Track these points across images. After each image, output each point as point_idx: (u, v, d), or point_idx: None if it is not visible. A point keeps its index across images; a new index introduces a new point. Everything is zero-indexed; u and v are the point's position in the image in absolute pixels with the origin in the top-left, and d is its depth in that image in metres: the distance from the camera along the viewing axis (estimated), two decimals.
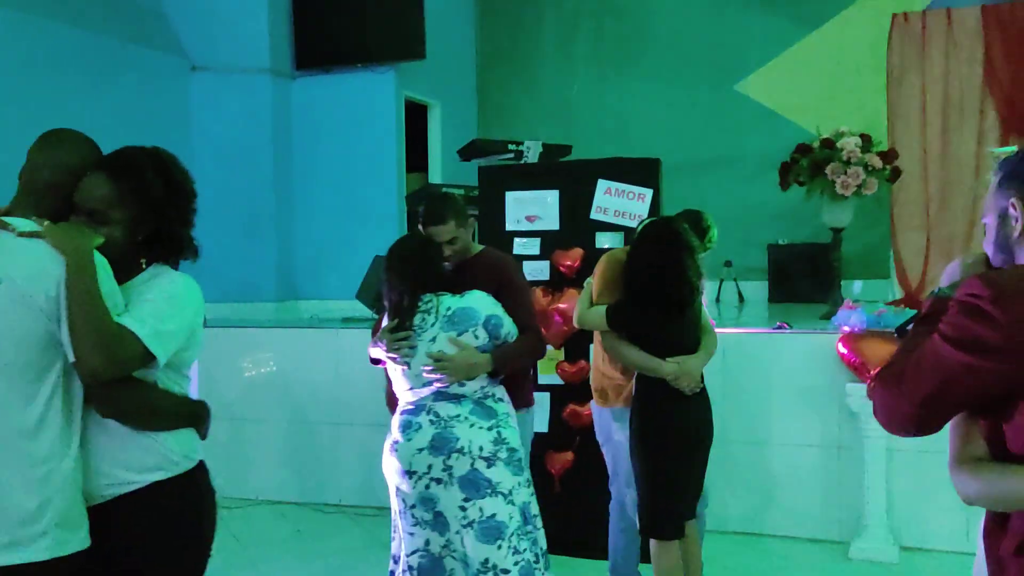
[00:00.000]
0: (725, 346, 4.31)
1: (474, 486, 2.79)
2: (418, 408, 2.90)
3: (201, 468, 2.10)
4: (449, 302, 2.91)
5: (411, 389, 2.94)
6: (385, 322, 2.97)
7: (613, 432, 3.56)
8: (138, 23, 6.89)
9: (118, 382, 1.90)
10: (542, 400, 4.43)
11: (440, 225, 3.18)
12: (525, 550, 2.83)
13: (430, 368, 2.86)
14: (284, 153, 7.53)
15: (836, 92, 7.13)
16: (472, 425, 2.85)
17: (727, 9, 7.74)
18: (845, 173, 5.29)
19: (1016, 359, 1.39)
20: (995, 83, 6.05)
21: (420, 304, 2.91)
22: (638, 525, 3.33)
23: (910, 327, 1.65)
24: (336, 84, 7.45)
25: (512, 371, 3.12)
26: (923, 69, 6.14)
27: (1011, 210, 1.57)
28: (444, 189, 5.55)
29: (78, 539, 1.89)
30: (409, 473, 2.84)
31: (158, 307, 1.96)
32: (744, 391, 4.65)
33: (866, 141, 5.43)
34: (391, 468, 2.91)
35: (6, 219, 1.90)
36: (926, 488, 4.41)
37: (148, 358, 1.91)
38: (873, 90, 6.46)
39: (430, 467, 2.81)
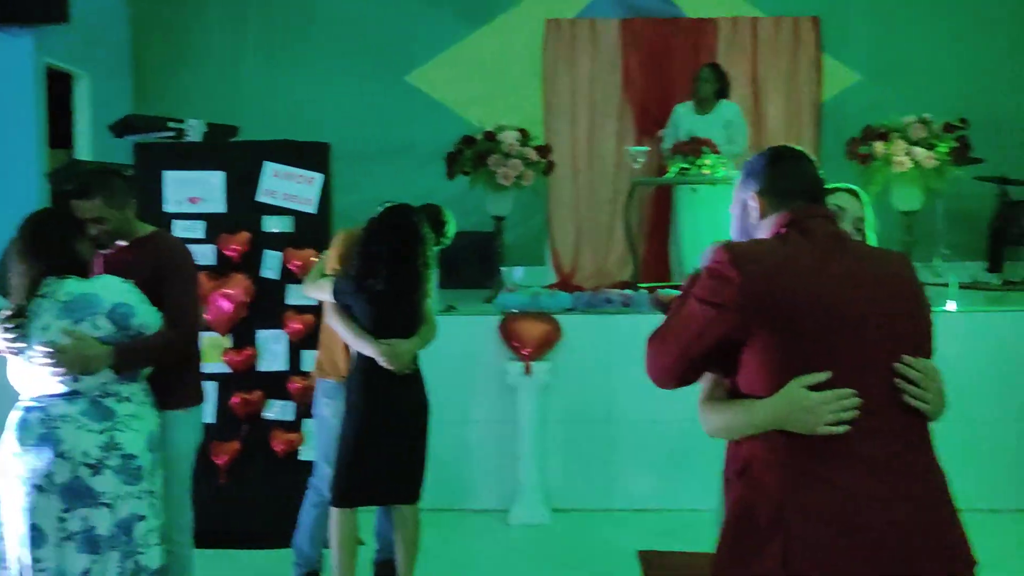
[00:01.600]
0: None
1: (77, 495, 2.57)
2: (32, 406, 2.63)
3: None
4: (71, 287, 2.64)
5: (29, 383, 2.65)
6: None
7: (321, 406, 3.68)
8: None
9: None
10: (208, 389, 4.24)
11: (83, 200, 2.87)
12: (124, 570, 2.63)
13: (40, 359, 2.57)
14: None
15: (498, 89, 7.54)
16: (80, 427, 2.59)
17: (399, 1, 7.88)
18: (505, 165, 5.65)
19: (749, 310, 1.70)
20: (631, 89, 6.80)
21: (40, 287, 2.62)
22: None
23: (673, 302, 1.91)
24: None
25: (161, 366, 2.87)
26: (573, 72, 6.74)
27: (750, 202, 1.88)
28: (104, 167, 5.08)
29: None
30: (16, 476, 2.59)
31: None
32: None
33: (524, 136, 5.84)
34: (5, 471, 2.63)
35: None
36: (576, 454, 4.87)
37: None
38: (531, 89, 6.95)
39: (33, 472, 2.56)
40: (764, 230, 1.85)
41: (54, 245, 2.67)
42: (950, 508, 1.73)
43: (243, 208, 4.36)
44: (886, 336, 1.72)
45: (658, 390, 1.92)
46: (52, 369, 2.57)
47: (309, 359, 4.32)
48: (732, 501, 1.76)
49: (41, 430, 2.58)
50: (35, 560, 2.56)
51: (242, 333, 4.31)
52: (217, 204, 4.39)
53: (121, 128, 5.16)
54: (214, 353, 4.28)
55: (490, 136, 5.76)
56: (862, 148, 5.78)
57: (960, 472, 5.82)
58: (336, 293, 3.37)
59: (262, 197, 4.38)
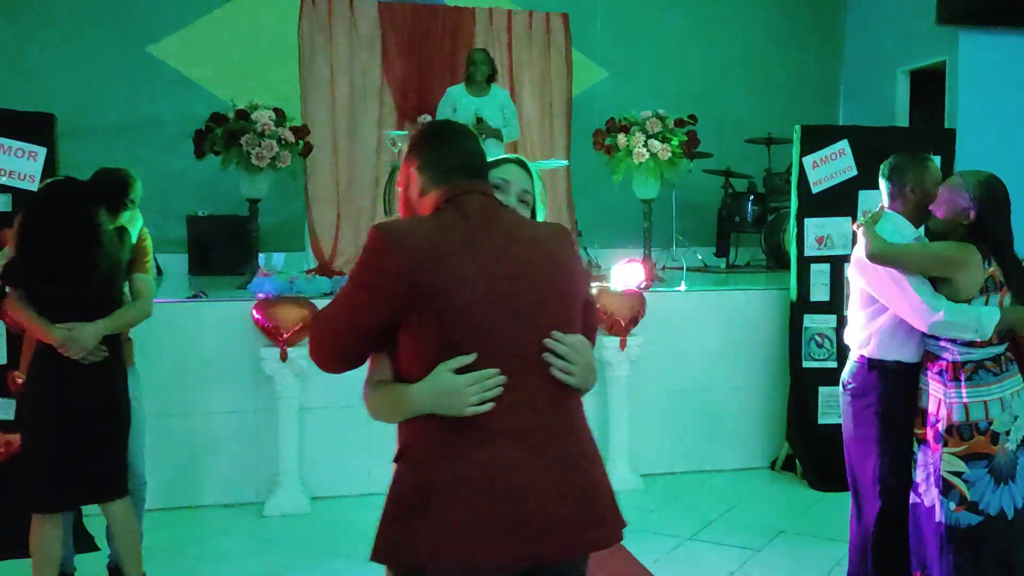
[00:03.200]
0: None
1: None
2: None
3: None
4: None
5: None
6: None
7: None
8: None
9: None
10: None
11: None
12: None
13: None
14: None
15: (251, 66, 7.24)
16: None
17: None
18: (259, 145, 5.43)
19: (399, 291, 1.68)
20: (391, 74, 6.75)
21: None
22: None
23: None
24: None
25: None
26: (331, 53, 6.58)
27: (411, 177, 1.87)
28: None
29: None
30: None
31: None
32: (161, 363, 4.47)
33: (280, 116, 5.64)
34: None
35: None
36: (334, 441, 4.80)
37: None
38: (287, 68, 6.72)
39: None
40: (426, 207, 1.82)
41: None
42: (596, 470, 1.79)
43: None
44: (535, 312, 1.73)
45: None
46: None
47: None
48: (391, 483, 1.75)
49: None
50: None
51: None
52: None
53: None
54: None
55: (243, 114, 5.51)
56: (607, 140, 6.13)
57: (694, 435, 6.40)
58: (7, 277, 3.10)
59: None
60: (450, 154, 1.84)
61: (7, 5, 7.07)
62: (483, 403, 1.67)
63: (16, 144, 3.96)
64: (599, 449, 1.86)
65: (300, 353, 4.55)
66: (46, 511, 3.12)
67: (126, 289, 3.39)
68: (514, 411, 1.70)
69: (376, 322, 1.72)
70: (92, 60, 7.21)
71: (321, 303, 4.76)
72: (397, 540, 1.69)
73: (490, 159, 1.98)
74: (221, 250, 7.21)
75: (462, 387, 1.66)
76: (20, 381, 3.31)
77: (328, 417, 4.79)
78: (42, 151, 3.99)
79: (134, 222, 3.52)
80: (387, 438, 1.91)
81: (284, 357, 4.55)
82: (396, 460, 1.78)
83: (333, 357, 1.82)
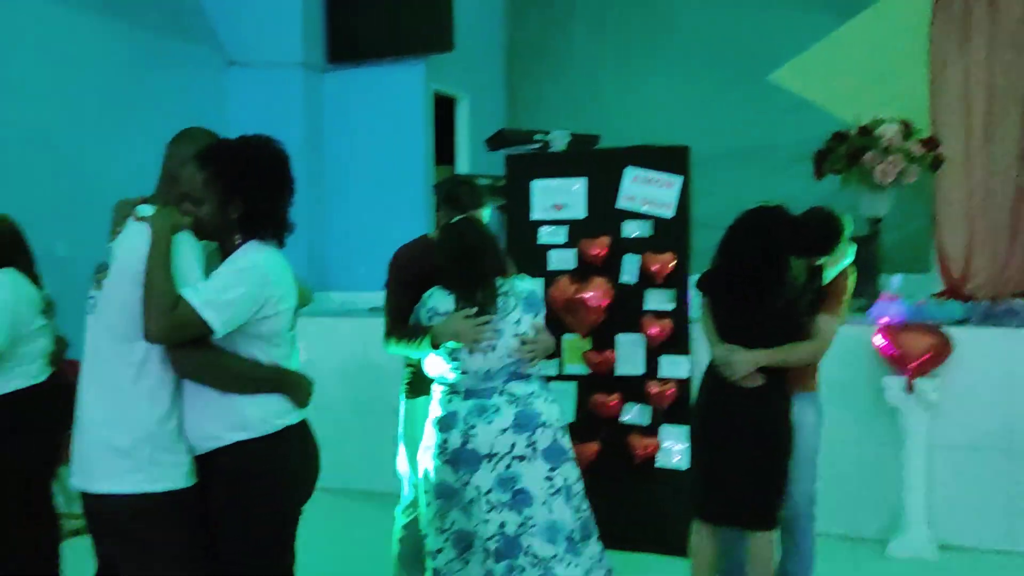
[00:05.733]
0: None
1: (556, 455, 2.90)
2: (489, 391, 2.92)
3: (285, 434, 2.26)
4: (520, 285, 3.02)
5: (473, 373, 2.92)
6: (444, 310, 2.96)
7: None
8: (176, 17, 6.91)
9: (186, 346, 2.15)
10: (569, 389, 4.36)
11: (481, 209, 3.24)
12: (585, 508, 2.99)
13: (516, 350, 2.91)
14: (315, 146, 7.52)
15: (874, 80, 6.90)
16: (544, 400, 2.97)
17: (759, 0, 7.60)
18: (884, 161, 5.13)
19: None
20: None
21: (499, 288, 2.96)
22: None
23: None
24: (366, 77, 7.41)
25: None
26: (967, 54, 5.93)
27: None
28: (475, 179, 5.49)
29: (170, 479, 2.18)
30: (489, 457, 2.85)
31: (221, 279, 2.20)
32: None
33: (907, 128, 5.27)
34: (456, 459, 2.89)
35: (140, 207, 2.26)
36: (967, 485, 4.26)
37: (204, 325, 2.12)
38: (913, 77, 6.24)
39: (513, 446, 2.86)
40: None
41: (496, 251, 3.05)
42: None
43: (603, 213, 4.41)
44: None
45: None
46: (525, 357, 2.92)
47: (667, 364, 4.26)
48: None
49: (516, 409, 2.89)
50: (526, 519, 2.85)
51: (602, 336, 4.36)
52: (579, 210, 4.49)
53: (495, 142, 5.52)
54: (574, 354, 4.38)
55: (865, 131, 5.27)
56: None
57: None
58: (700, 284, 3.28)
59: (622, 203, 4.39)
60: None
61: (641, 54, 7.92)
62: None
63: (656, 175, 4.33)
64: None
65: (930, 385, 4.13)
66: (697, 517, 3.24)
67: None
68: None
69: None
70: (715, 94, 7.66)
71: (954, 331, 4.28)
72: None
73: None
74: None
75: None
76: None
77: (960, 458, 4.26)
78: (678, 180, 4.30)
79: (843, 258, 3.36)
80: None
81: (910, 389, 4.18)
82: None
83: None
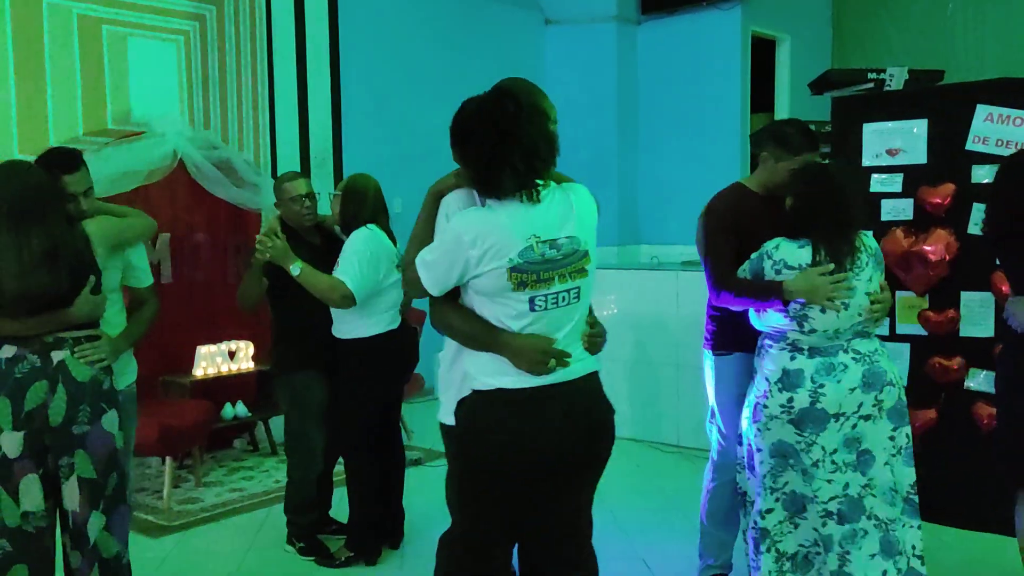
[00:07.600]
0: None
1: (899, 415, 2.89)
2: (834, 349, 2.83)
3: (494, 396, 2.20)
4: (868, 239, 2.94)
5: (822, 331, 2.82)
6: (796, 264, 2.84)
7: None
8: None
9: (433, 301, 2.28)
10: (901, 351, 4.04)
11: (815, 152, 3.16)
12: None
13: (867, 309, 2.84)
14: (629, 99, 7.57)
15: None
16: (886, 357, 2.93)
17: None
18: None
19: None
20: None
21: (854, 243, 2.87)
22: None
23: None
24: (680, 25, 7.30)
25: None
26: None
27: None
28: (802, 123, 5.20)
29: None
30: (836, 416, 2.78)
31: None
32: None
33: None
34: (802, 419, 2.80)
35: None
36: None
37: (420, 283, 2.21)
38: None
39: (860, 405, 2.81)
40: None
41: (866, 199, 3.04)
42: None
43: (947, 158, 3.98)
44: None
45: None
46: (872, 317, 2.86)
47: None
48: None
49: (863, 367, 2.83)
50: (869, 479, 2.83)
51: (942, 294, 3.97)
52: (918, 155, 4.09)
53: (820, 85, 5.15)
54: (909, 314, 4.03)
55: None
56: None
57: None
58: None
59: (971, 145, 3.93)
60: None
61: None
62: None
63: (1016, 112, 3.82)
64: None
65: None
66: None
67: None
68: None
69: None
70: None
71: None
72: None
73: None
74: None
75: None
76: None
77: None
78: None
79: None
80: None
81: None
82: None
83: None
